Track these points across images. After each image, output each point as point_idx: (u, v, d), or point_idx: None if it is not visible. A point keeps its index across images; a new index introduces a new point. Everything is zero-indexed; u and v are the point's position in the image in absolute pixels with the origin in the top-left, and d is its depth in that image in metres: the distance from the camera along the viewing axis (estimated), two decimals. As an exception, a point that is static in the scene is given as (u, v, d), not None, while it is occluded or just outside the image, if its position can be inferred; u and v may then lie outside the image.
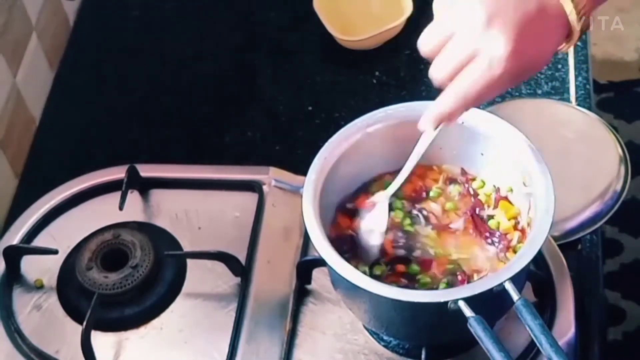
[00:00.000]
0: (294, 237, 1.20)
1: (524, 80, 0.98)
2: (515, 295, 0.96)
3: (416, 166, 1.06)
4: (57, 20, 1.51)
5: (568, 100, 1.36)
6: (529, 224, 1.05)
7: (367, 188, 1.12)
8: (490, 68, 0.92)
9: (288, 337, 1.13)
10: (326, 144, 1.09)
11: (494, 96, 0.97)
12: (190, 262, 1.20)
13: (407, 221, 1.09)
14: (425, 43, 0.97)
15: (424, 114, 0.99)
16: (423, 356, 1.07)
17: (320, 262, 1.06)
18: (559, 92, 1.37)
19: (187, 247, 1.21)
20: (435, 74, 0.96)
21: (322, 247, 1.01)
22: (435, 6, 0.99)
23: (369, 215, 1.08)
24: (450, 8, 0.96)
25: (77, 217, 1.26)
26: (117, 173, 1.26)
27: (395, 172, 1.08)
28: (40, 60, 1.45)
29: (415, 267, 1.05)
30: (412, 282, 1.05)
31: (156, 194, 1.27)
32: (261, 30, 1.51)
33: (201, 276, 1.19)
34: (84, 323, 1.11)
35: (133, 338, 1.15)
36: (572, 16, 0.95)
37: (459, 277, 1.04)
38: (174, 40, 1.52)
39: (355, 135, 1.10)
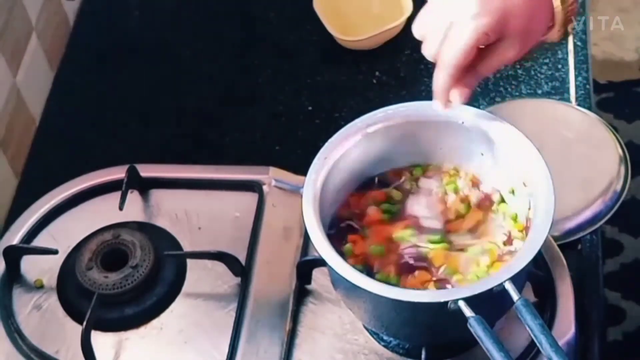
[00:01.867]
0: (294, 237, 1.20)
1: (533, 42, 1.04)
2: (515, 295, 0.96)
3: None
4: (57, 20, 1.51)
5: (568, 100, 1.36)
6: (528, 224, 1.05)
7: (367, 188, 1.12)
8: (462, 29, 1.00)
9: (288, 337, 1.13)
10: (326, 144, 1.09)
11: (472, 53, 1.01)
12: (190, 262, 1.20)
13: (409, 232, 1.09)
14: (419, 27, 1.05)
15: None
16: (423, 356, 1.07)
17: (320, 262, 1.06)
18: (559, 92, 1.37)
19: (187, 247, 1.21)
20: (427, 51, 1.04)
21: (322, 247, 1.01)
22: None
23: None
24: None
25: (77, 217, 1.26)
26: (117, 173, 1.26)
27: (397, 171, 1.11)
28: (40, 60, 1.45)
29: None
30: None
31: (156, 194, 1.27)
32: (261, 30, 1.51)
33: (201, 276, 1.19)
34: (84, 323, 1.11)
35: (133, 338, 1.15)
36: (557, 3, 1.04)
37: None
38: (174, 40, 1.52)
39: (355, 135, 1.10)
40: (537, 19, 1.04)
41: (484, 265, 1.04)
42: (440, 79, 1.03)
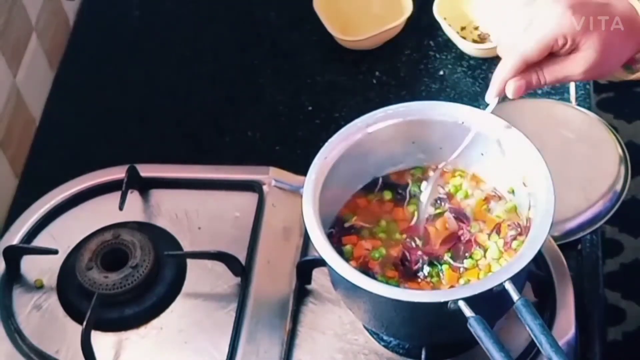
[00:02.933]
0: (294, 237, 1.20)
1: (607, 70, 1.05)
2: (515, 295, 0.96)
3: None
4: (57, 20, 1.51)
5: (568, 100, 1.36)
6: (528, 224, 1.05)
7: (372, 189, 1.12)
8: (547, 21, 1.00)
9: (288, 337, 1.13)
10: (326, 144, 1.09)
11: (545, 50, 1.02)
12: (190, 262, 1.20)
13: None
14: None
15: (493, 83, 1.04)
16: (423, 356, 1.07)
17: (320, 262, 1.06)
18: (559, 92, 1.37)
19: (187, 247, 1.21)
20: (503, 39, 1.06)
21: (322, 247, 1.01)
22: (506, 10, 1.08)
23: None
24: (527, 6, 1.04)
25: (77, 217, 1.26)
26: (117, 173, 1.26)
27: (400, 174, 1.12)
28: (40, 60, 1.45)
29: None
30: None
31: (156, 194, 1.27)
32: (261, 30, 1.51)
33: (201, 276, 1.19)
34: (84, 323, 1.11)
35: (133, 338, 1.15)
36: None
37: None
38: (174, 40, 1.52)
39: (355, 135, 1.10)
40: (619, 49, 1.04)
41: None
42: (504, 66, 1.02)
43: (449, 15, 1.42)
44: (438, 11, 1.41)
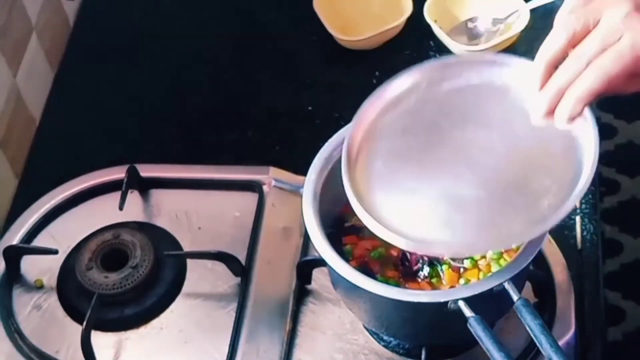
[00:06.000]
0: (294, 237, 1.20)
1: None
2: (515, 295, 0.96)
3: None
4: (57, 20, 1.51)
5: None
6: None
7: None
8: (633, 48, 0.91)
9: (288, 337, 1.13)
10: (326, 144, 1.09)
11: (622, 82, 0.93)
12: (190, 262, 1.20)
13: None
14: (568, 5, 0.96)
15: (561, 101, 0.95)
16: (423, 356, 1.07)
17: (320, 262, 1.06)
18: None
19: (187, 247, 1.21)
20: (581, 50, 0.93)
21: (322, 247, 1.01)
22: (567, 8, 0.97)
23: None
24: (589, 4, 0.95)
25: (77, 217, 1.26)
26: (117, 173, 1.26)
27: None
28: (40, 60, 1.45)
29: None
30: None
31: (156, 194, 1.27)
32: (261, 30, 1.51)
33: (201, 276, 1.19)
34: (84, 323, 1.11)
35: (133, 338, 1.15)
36: None
37: None
38: (174, 40, 1.52)
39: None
40: None
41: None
42: (591, 83, 0.93)
43: (440, 17, 1.42)
44: (429, 13, 1.41)
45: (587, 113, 0.96)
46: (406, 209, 0.98)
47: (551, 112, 0.95)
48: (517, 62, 1.02)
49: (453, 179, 0.98)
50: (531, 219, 0.95)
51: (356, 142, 1.02)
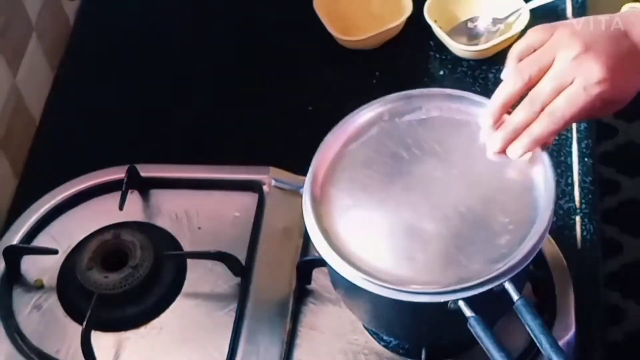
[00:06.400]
0: (294, 237, 1.20)
1: (611, 111, 1.02)
2: (515, 295, 0.96)
3: None
4: (57, 20, 1.51)
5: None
6: None
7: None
8: (586, 90, 0.97)
9: (288, 337, 1.13)
10: (324, 143, 1.09)
11: (582, 118, 1.02)
12: (190, 262, 1.20)
13: None
14: (517, 49, 1.02)
15: (516, 140, 1.01)
16: (423, 356, 1.07)
17: (320, 262, 1.06)
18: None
19: (187, 247, 1.21)
20: (536, 94, 0.99)
21: (322, 247, 1.01)
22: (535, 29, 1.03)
23: None
24: (550, 30, 1.01)
25: (77, 217, 1.26)
26: (117, 173, 1.26)
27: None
28: (40, 60, 1.45)
29: None
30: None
31: (156, 194, 1.27)
32: (261, 30, 1.51)
33: (201, 276, 1.19)
34: (84, 323, 1.11)
35: (133, 338, 1.15)
36: None
37: None
38: (174, 40, 1.52)
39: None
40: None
41: None
42: (546, 128, 0.99)
43: (440, 17, 1.42)
44: (429, 13, 1.41)
45: (545, 156, 1.01)
46: (369, 241, 1.00)
47: (505, 149, 1.02)
48: (476, 98, 1.06)
49: (414, 212, 1.01)
50: (490, 258, 0.97)
51: (320, 173, 1.04)
